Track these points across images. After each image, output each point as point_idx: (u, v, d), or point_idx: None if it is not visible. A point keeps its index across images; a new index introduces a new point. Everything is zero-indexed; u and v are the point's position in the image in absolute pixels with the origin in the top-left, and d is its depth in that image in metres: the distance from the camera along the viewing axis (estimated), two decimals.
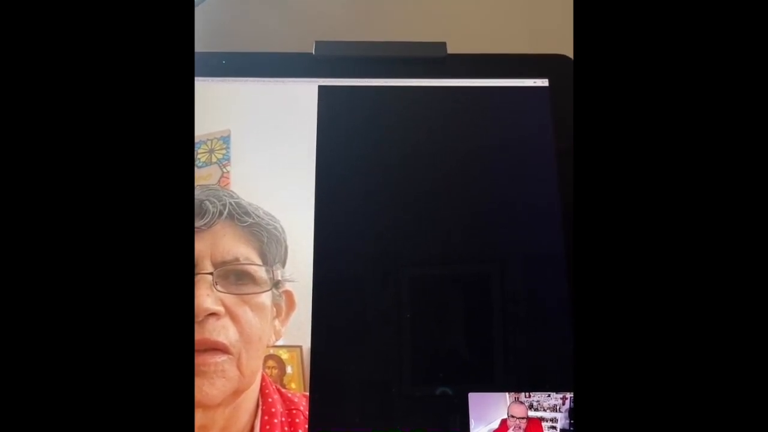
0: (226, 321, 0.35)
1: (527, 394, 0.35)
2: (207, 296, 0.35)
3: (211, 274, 0.35)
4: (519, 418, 0.35)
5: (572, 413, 0.35)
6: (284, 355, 0.35)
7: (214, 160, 0.39)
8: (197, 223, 0.36)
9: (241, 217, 0.37)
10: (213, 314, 0.34)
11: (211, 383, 0.34)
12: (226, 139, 0.40)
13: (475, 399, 0.35)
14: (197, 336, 0.34)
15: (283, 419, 0.34)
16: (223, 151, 0.39)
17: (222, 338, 0.34)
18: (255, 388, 0.35)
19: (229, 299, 0.35)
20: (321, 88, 0.41)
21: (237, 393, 0.34)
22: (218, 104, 0.41)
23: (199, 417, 0.34)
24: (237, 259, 0.36)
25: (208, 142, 0.40)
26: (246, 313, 0.35)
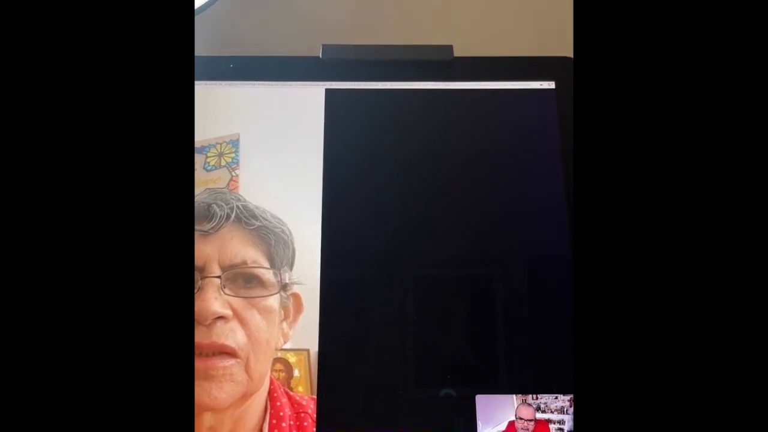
0: (234, 324, 0.35)
1: (534, 396, 0.35)
2: (215, 300, 0.35)
3: (219, 277, 0.35)
4: (527, 420, 0.35)
5: None
6: (292, 358, 0.36)
7: (223, 163, 0.39)
8: (205, 227, 0.36)
9: (248, 220, 0.37)
10: (221, 318, 0.35)
11: (220, 387, 0.34)
12: (235, 143, 0.40)
13: (482, 401, 0.35)
14: (205, 339, 0.34)
15: (291, 422, 0.34)
16: (232, 155, 0.40)
17: (230, 342, 0.34)
18: (263, 391, 0.35)
19: (237, 302, 0.35)
20: (328, 91, 0.42)
21: (246, 396, 0.35)
22: (227, 108, 0.41)
23: (208, 419, 0.34)
24: (245, 262, 0.36)
25: (218, 146, 0.40)
26: (254, 317, 0.35)
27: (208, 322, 0.34)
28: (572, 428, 0.34)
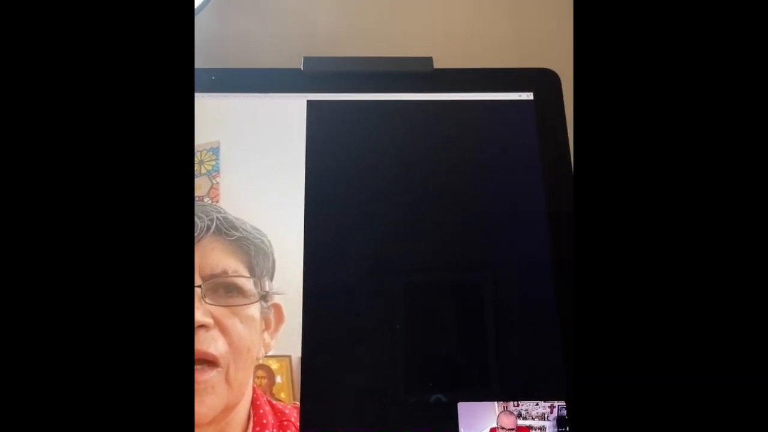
0: (215, 333, 0.35)
1: (516, 403, 0.35)
2: (196, 309, 0.35)
3: (200, 287, 0.35)
4: (508, 429, 0.35)
5: (560, 422, 0.35)
6: (274, 365, 0.35)
7: (203, 171, 0.39)
8: None
9: (228, 231, 0.37)
10: (202, 326, 0.35)
11: (201, 401, 0.34)
12: (215, 151, 0.40)
13: (464, 408, 0.35)
14: None
15: (275, 431, 0.34)
16: (213, 163, 0.40)
17: (212, 350, 0.34)
18: (246, 401, 0.35)
19: (218, 311, 0.35)
20: (310, 102, 0.42)
21: (228, 409, 0.34)
22: (208, 118, 0.41)
23: None
24: (225, 272, 0.36)
25: (198, 154, 0.40)
26: (235, 325, 0.35)
27: None
28: None
